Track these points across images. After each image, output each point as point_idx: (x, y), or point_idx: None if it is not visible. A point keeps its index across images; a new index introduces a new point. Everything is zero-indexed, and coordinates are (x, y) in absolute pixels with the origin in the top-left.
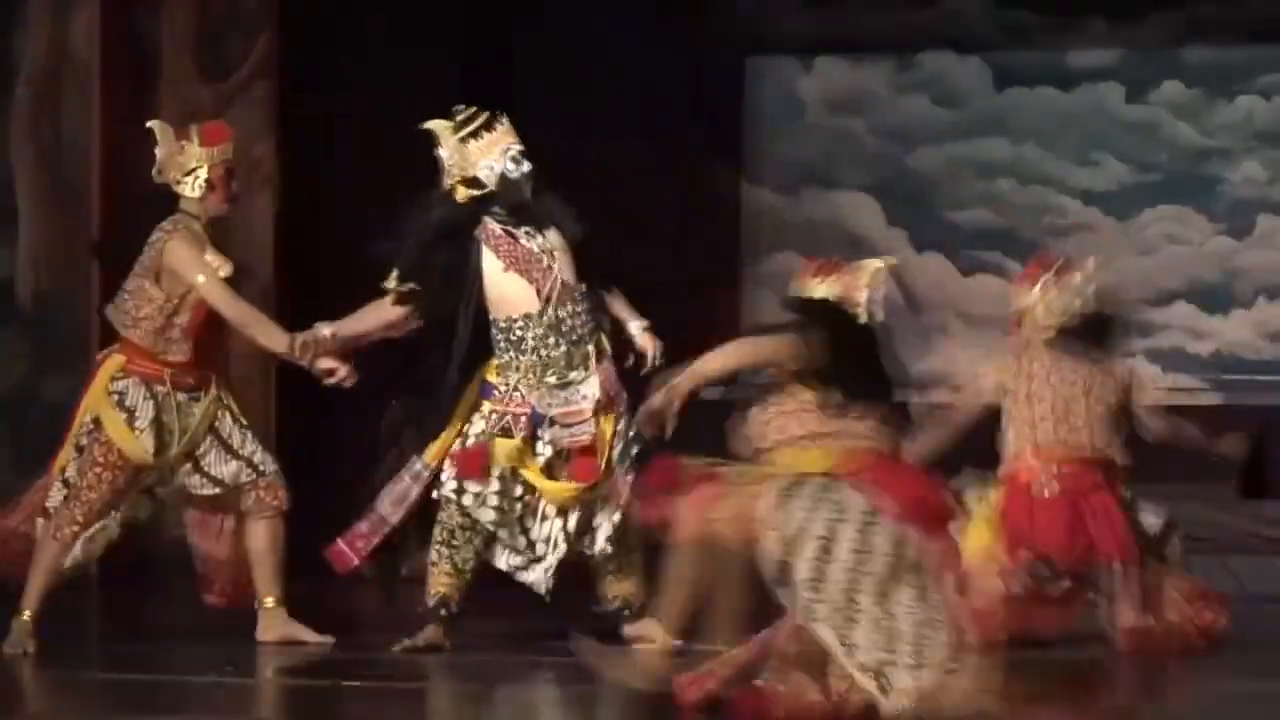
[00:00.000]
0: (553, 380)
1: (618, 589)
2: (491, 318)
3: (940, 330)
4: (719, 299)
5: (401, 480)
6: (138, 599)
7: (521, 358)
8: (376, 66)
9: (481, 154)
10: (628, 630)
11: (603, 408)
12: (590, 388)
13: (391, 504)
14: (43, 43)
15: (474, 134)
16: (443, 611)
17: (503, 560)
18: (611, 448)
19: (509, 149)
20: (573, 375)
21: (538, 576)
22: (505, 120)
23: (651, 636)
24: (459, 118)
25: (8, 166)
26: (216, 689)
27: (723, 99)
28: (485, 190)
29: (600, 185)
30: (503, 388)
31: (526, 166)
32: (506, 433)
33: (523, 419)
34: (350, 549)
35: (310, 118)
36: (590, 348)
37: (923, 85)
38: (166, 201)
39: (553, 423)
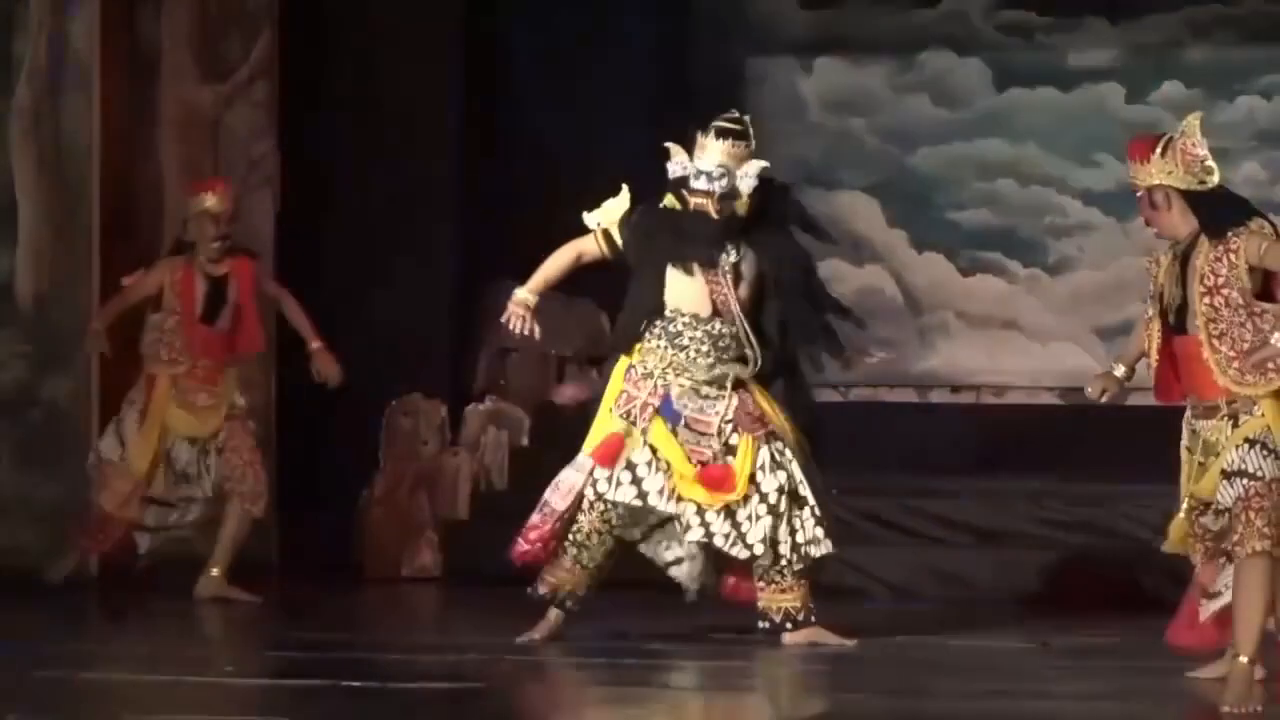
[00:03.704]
0: (686, 383)
1: (777, 601)
2: (665, 300)
3: (940, 330)
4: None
5: (568, 472)
6: (138, 599)
7: (670, 351)
8: (376, 66)
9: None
10: (787, 640)
11: (738, 429)
12: (722, 407)
13: (561, 496)
14: (43, 43)
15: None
16: (566, 604)
17: (652, 552)
18: (755, 466)
19: (702, 164)
20: (706, 390)
21: (684, 575)
22: (719, 138)
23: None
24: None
25: (8, 166)
26: (216, 689)
27: (723, 99)
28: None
29: (599, 185)
30: (639, 371)
31: (711, 185)
32: (628, 418)
33: (649, 409)
34: (526, 542)
35: (310, 118)
36: (732, 371)
37: (923, 85)
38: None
39: (687, 425)
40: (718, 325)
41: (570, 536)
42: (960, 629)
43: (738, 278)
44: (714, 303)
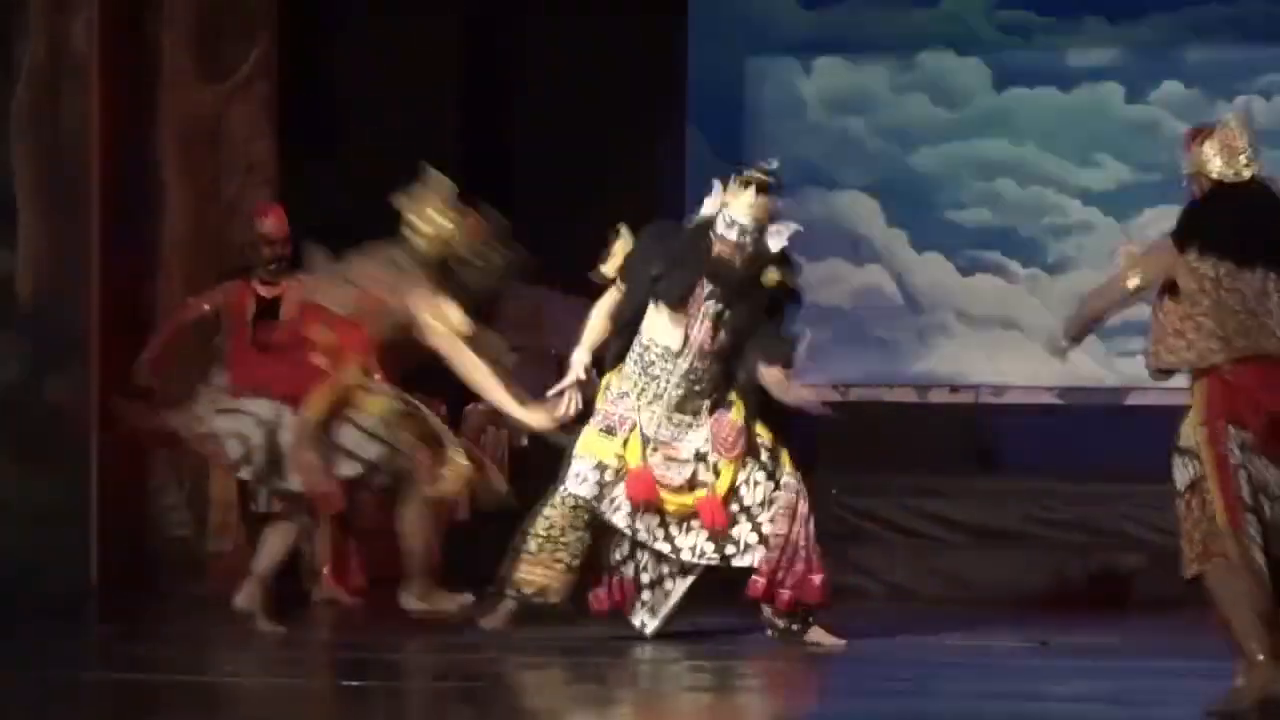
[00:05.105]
0: (660, 410)
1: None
2: (641, 330)
3: (940, 330)
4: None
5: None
6: (138, 599)
7: (643, 380)
8: (376, 66)
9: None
10: (807, 638)
11: (721, 454)
12: (696, 437)
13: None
14: (43, 43)
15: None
16: (536, 599)
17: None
18: (735, 493)
19: (735, 214)
20: (680, 417)
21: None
22: (752, 191)
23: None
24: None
25: (8, 166)
26: (216, 689)
27: (723, 99)
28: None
29: (599, 185)
30: (616, 390)
31: (733, 236)
32: (610, 431)
33: (629, 423)
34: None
35: (310, 118)
36: (707, 402)
37: (923, 85)
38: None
39: (654, 449)
40: (690, 361)
41: (541, 533)
42: (960, 629)
43: (717, 326)
44: (688, 339)
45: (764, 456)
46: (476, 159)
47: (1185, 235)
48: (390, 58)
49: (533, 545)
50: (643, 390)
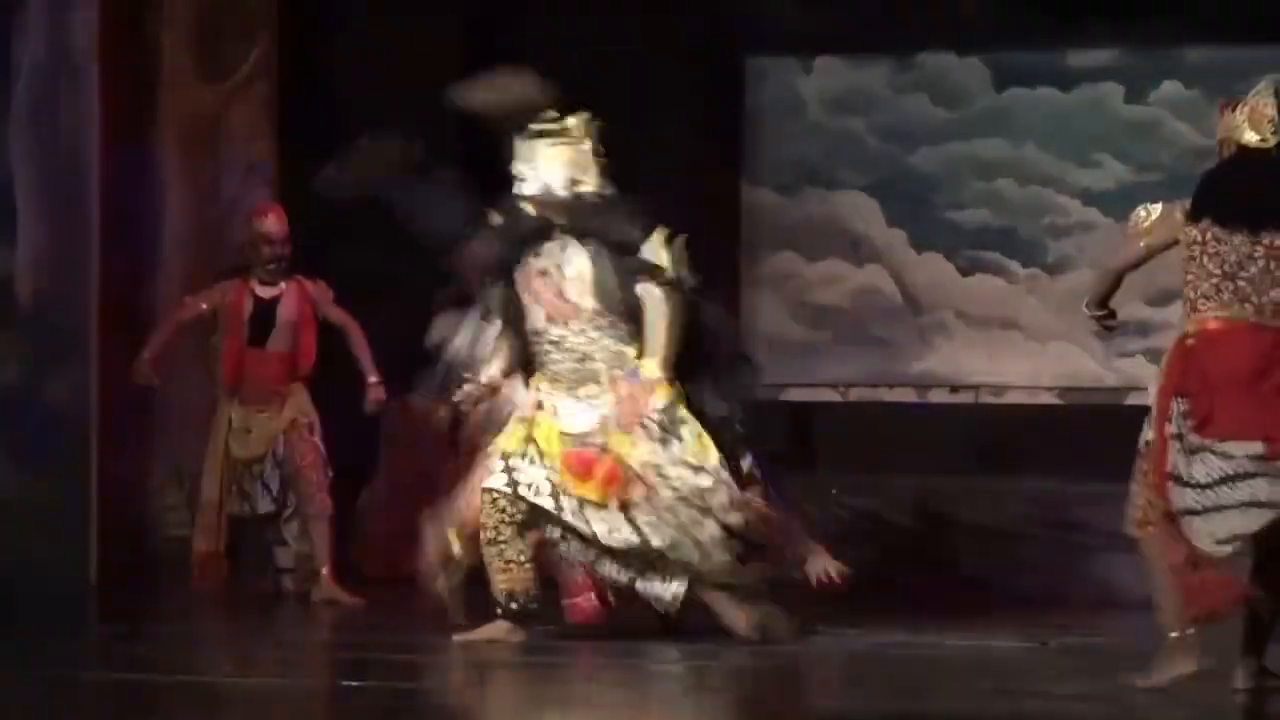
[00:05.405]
0: (562, 394)
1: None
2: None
3: (940, 330)
4: (718, 299)
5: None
6: (138, 599)
7: (538, 369)
8: (377, 67)
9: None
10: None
11: (620, 427)
12: (600, 405)
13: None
14: (43, 43)
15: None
16: (513, 606)
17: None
18: (642, 469)
19: (532, 173)
20: (581, 392)
21: (608, 571)
22: (543, 143)
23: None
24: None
25: (7, 167)
26: (216, 689)
27: (723, 99)
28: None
29: None
30: (536, 390)
31: (539, 191)
32: (523, 421)
33: (534, 403)
34: None
35: (310, 118)
36: (602, 367)
37: (923, 85)
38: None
39: (568, 436)
40: (556, 331)
41: (484, 540)
42: (960, 629)
43: (563, 279)
44: (547, 311)
45: (668, 444)
46: (476, 159)
47: (1192, 199)
48: (390, 58)
49: (485, 558)
50: (543, 379)
